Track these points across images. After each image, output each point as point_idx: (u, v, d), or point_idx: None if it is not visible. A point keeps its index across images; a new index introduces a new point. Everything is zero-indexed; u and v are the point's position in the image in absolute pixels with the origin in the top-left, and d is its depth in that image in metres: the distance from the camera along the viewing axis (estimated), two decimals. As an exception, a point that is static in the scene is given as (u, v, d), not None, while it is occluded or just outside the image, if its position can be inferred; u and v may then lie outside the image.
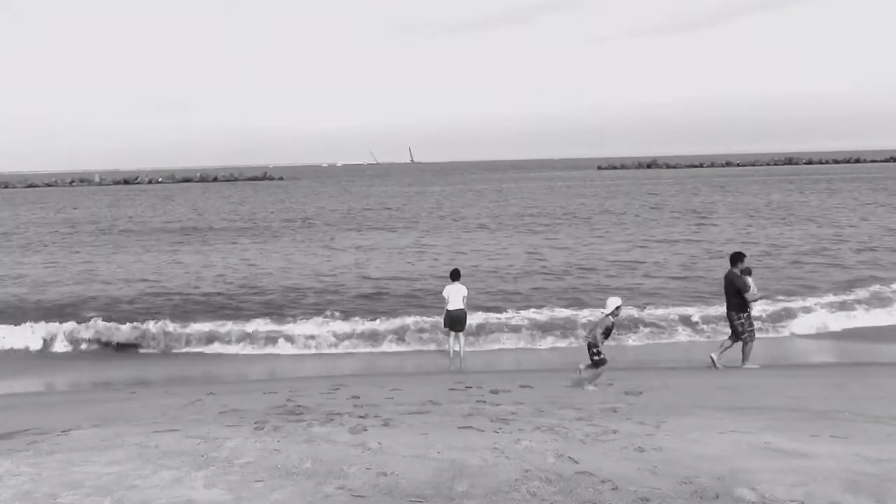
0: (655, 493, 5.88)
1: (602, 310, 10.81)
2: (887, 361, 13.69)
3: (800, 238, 29.81)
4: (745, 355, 12.33)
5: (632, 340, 15.18)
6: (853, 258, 22.94)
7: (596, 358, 10.60)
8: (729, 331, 12.67)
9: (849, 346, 15.03)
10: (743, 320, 12.23)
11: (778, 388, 10.65)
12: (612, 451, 6.95)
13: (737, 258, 12.55)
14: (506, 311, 16.90)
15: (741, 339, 12.31)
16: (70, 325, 16.40)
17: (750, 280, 12.30)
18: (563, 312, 16.66)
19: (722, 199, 53.58)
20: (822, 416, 8.65)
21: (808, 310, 16.59)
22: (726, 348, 12.44)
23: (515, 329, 15.70)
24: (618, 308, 10.67)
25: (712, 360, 12.31)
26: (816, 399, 9.83)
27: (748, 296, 12.15)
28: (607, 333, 10.75)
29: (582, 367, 10.76)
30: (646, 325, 15.99)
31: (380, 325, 16.06)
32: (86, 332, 16.27)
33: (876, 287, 18.67)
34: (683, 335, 15.50)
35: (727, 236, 31.32)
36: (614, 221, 39.61)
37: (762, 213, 42.33)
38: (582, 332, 14.84)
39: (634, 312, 16.40)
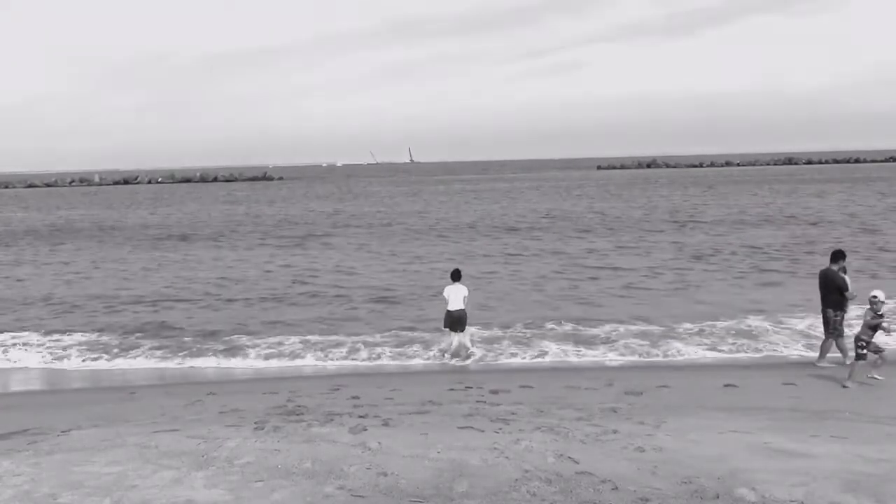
0: (655, 493, 5.88)
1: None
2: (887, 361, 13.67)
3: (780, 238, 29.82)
4: (843, 352, 12.21)
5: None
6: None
7: (859, 351, 10.74)
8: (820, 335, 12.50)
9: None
10: (840, 318, 12.13)
11: (778, 388, 10.66)
12: (612, 451, 6.95)
13: (837, 256, 12.41)
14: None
15: (832, 337, 12.19)
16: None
17: (847, 278, 12.22)
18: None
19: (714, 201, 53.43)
20: (822, 416, 8.66)
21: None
22: (826, 350, 12.37)
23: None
24: (873, 298, 10.77)
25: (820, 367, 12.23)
26: (816, 399, 9.84)
27: (848, 294, 12.06)
28: (873, 328, 10.77)
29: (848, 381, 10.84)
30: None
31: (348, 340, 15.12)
32: None
33: None
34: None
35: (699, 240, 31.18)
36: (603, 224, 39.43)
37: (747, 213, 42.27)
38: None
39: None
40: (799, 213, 41.13)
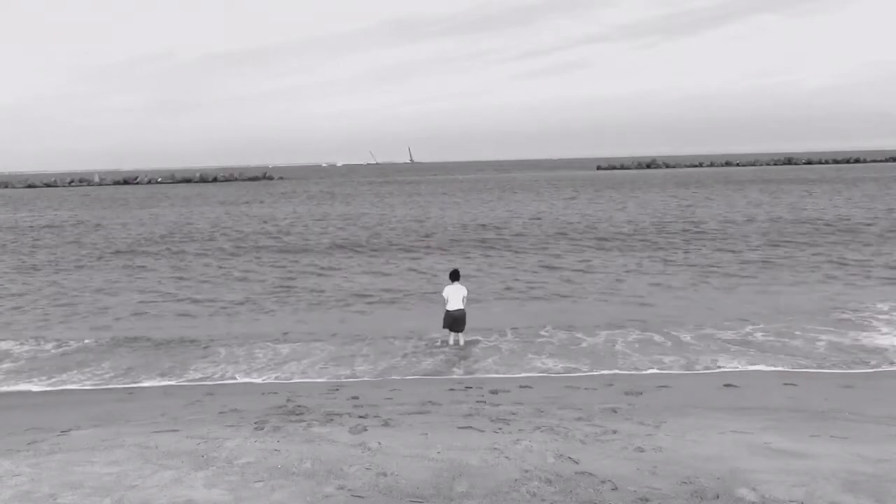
0: (655, 493, 5.88)
1: None
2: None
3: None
4: None
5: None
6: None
7: None
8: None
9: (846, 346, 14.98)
10: None
11: (778, 388, 10.66)
12: (612, 451, 6.95)
13: None
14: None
15: None
16: None
17: None
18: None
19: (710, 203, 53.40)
20: (822, 416, 8.67)
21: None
22: None
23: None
24: None
25: None
26: (816, 399, 9.84)
27: None
28: None
29: None
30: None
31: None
32: None
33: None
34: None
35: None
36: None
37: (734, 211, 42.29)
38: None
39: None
40: (785, 216, 41.10)
